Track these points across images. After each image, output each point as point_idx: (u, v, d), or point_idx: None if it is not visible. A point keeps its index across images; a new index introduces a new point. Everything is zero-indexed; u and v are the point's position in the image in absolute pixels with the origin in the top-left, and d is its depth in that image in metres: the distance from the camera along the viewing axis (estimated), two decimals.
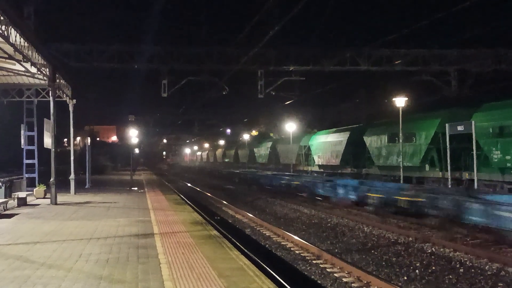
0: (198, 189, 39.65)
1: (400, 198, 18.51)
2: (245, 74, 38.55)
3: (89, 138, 34.08)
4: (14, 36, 14.52)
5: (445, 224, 16.09)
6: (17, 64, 17.68)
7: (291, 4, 18.28)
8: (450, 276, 11.13)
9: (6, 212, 16.77)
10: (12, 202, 18.98)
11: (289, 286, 10.02)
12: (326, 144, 36.88)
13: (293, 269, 12.09)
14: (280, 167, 48.24)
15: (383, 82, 45.44)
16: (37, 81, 21.65)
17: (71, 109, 24.47)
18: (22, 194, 19.44)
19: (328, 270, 11.71)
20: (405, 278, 11.12)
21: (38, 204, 19.32)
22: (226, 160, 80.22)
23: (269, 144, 54.69)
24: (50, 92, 19.65)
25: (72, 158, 24.63)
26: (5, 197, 17.80)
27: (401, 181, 24.80)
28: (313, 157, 40.29)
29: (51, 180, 19.22)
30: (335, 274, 11.31)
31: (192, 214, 16.72)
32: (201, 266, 8.56)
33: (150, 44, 42.16)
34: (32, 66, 17.77)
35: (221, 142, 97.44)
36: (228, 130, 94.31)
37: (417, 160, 25.18)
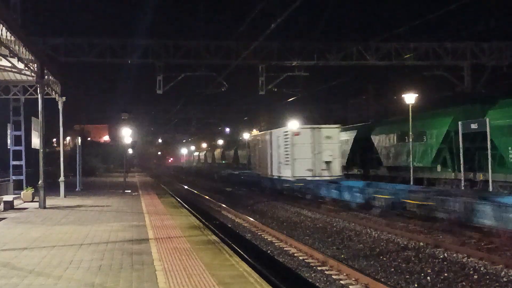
0: (196, 191, 39.68)
1: None
2: (245, 69, 38.69)
3: (79, 137, 34.04)
4: (0, 29, 14.53)
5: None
6: (3, 59, 17.70)
7: None
8: (464, 283, 11.13)
9: None
10: None
11: None
12: None
13: (297, 276, 12.10)
14: None
15: (391, 77, 45.54)
16: (24, 77, 21.68)
17: (60, 107, 24.48)
18: (8, 198, 19.48)
19: (334, 277, 11.72)
20: (416, 285, 11.13)
21: (25, 208, 19.34)
22: (223, 161, 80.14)
23: None
24: (38, 89, 19.67)
25: (61, 159, 24.67)
26: None
27: (411, 183, 24.80)
28: None
29: (39, 183, 19.24)
30: (342, 282, 11.32)
31: (189, 218, 16.74)
32: (199, 273, 8.58)
33: (144, 38, 42.25)
34: (19, 62, 17.80)
35: (220, 142, 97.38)
36: (227, 129, 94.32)
37: (428, 161, 25.18)
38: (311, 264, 13.13)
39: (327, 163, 28.50)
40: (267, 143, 33.85)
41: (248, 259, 12.32)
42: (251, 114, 74.22)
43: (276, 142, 31.71)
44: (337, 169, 28.86)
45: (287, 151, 29.37)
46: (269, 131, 35.19)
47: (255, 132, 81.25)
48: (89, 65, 38.55)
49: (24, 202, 21.51)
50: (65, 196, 23.78)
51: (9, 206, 18.84)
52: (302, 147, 28.55)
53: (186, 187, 46.53)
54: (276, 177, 31.69)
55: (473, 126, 21.29)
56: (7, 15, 14.83)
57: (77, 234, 12.79)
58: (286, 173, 29.71)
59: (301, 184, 27.90)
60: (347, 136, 34.50)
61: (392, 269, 12.48)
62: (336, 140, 29.09)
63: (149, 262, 9.44)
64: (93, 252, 10.43)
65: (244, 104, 68.98)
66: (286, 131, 30.19)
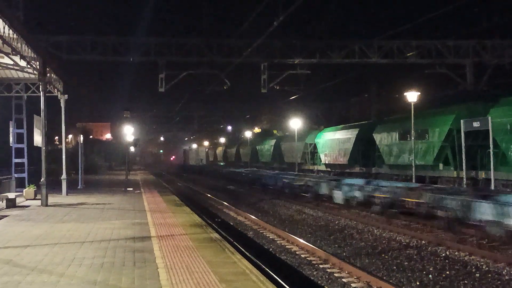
0: (197, 189, 39.74)
1: None
2: (247, 67, 38.73)
3: (81, 135, 34.15)
4: (2, 27, 14.56)
5: None
6: (5, 57, 17.72)
7: None
8: (466, 281, 11.14)
9: None
10: (0, 204, 19.04)
11: None
12: (333, 142, 36.86)
13: (299, 273, 12.12)
14: (284, 167, 48.28)
15: (394, 75, 45.50)
16: (26, 75, 21.68)
17: (62, 105, 24.50)
18: (11, 195, 19.49)
19: (336, 275, 11.73)
20: (418, 283, 11.14)
21: (28, 206, 19.37)
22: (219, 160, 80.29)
23: (273, 142, 54.69)
24: (41, 87, 19.68)
25: (63, 157, 24.69)
26: None
27: (413, 181, 24.80)
28: (319, 156, 40.28)
29: (41, 180, 19.26)
30: (344, 279, 11.33)
31: (191, 216, 16.76)
32: (201, 271, 8.59)
33: (146, 36, 42.23)
34: (22, 60, 17.81)
35: (222, 140, 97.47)
36: (229, 127, 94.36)
37: (430, 159, 25.16)
38: (313, 262, 13.14)
39: (201, 159, 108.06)
40: (193, 150, 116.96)
41: (250, 256, 12.35)
42: (253, 112, 74.25)
43: (192, 150, 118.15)
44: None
45: (192, 154, 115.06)
46: (193, 146, 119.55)
47: (257, 129, 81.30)
48: (91, 63, 38.59)
49: (26, 199, 21.54)
50: (67, 194, 23.81)
51: (11, 203, 18.85)
52: (195, 153, 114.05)
53: (188, 185, 46.57)
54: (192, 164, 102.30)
55: (475, 124, 21.25)
56: (9, 13, 14.84)
57: (80, 232, 12.80)
58: (193, 163, 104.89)
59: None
60: (349, 135, 34.48)
61: (394, 267, 12.49)
62: (205, 151, 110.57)
63: (151, 259, 9.46)
64: (96, 249, 10.44)
65: (246, 102, 69.02)
66: (194, 147, 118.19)
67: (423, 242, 15.10)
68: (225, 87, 37.55)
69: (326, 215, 21.84)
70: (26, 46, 17.08)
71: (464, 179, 22.15)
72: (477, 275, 11.60)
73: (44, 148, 19.83)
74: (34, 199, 21.46)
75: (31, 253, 10.14)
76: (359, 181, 23.61)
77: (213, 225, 18.22)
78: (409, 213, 18.45)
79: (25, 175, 24.98)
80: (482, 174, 21.97)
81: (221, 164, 73.76)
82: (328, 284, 11.12)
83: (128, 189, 28.47)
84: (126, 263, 9.13)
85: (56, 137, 53.46)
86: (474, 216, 14.75)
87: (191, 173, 75.15)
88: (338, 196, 23.01)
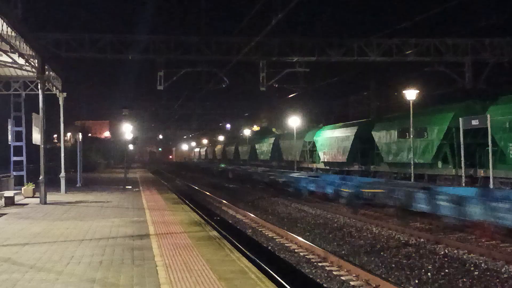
0: (196, 187, 39.72)
1: None
2: (246, 65, 38.63)
3: (80, 133, 34.08)
4: (0, 25, 14.52)
5: None
6: (3, 55, 17.67)
7: None
8: (464, 279, 11.14)
9: None
10: None
11: None
12: (332, 140, 36.86)
13: (298, 271, 12.11)
14: (283, 164, 48.27)
15: (393, 73, 45.47)
16: (25, 73, 21.63)
17: (61, 102, 24.47)
18: (9, 193, 19.47)
19: (334, 273, 11.73)
20: (417, 281, 11.13)
21: (26, 204, 19.36)
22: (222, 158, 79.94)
23: (272, 139, 54.72)
24: (39, 84, 19.65)
25: (62, 155, 24.69)
26: None
27: (412, 179, 24.81)
28: (318, 154, 40.28)
29: (40, 178, 19.24)
30: (342, 277, 11.33)
31: (190, 214, 16.75)
32: (200, 269, 8.58)
33: (145, 33, 42.14)
34: (20, 57, 17.77)
35: (221, 138, 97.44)
36: (228, 125, 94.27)
37: (429, 157, 25.16)
38: (311, 260, 13.14)
39: (185, 157, 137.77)
40: (179, 149, 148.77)
41: (249, 254, 12.34)
42: (252, 110, 74.19)
43: (178, 149, 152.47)
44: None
45: (178, 153, 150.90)
46: (180, 146, 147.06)
47: (255, 127, 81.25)
48: (90, 61, 38.41)
49: (25, 197, 21.53)
50: (66, 192, 23.80)
51: (10, 201, 18.83)
52: (180, 152, 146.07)
53: (186, 183, 46.56)
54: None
55: (474, 122, 21.25)
56: (8, 10, 14.81)
57: (78, 230, 12.80)
58: (178, 160, 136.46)
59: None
60: (348, 133, 34.48)
61: (393, 265, 12.49)
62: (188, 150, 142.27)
63: (150, 257, 9.45)
64: (94, 247, 10.44)
65: (245, 100, 68.87)
66: (180, 146, 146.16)
67: (422, 240, 15.11)
68: (223, 85, 37.50)
69: (325, 213, 21.84)
70: (24, 44, 17.04)
71: (463, 177, 22.16)
72: (476, 273, 11.60)
73: (42, 146, 19.82)
74: (33, 197, 21.45)
75: (29, 251, 10.13)
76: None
77: (212, 223, 18.21)
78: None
79: (23, 173, 24.96)
80: (480, 172, 21.98)
81: (222, 165, 63.80)
82: (327, 282, 11.11)
83: (126, 187, 28.44)
84: (125, 261, 9.12)
85: (55, 135, 53.44)
86: None
87: (191, 171, 75.13)
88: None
